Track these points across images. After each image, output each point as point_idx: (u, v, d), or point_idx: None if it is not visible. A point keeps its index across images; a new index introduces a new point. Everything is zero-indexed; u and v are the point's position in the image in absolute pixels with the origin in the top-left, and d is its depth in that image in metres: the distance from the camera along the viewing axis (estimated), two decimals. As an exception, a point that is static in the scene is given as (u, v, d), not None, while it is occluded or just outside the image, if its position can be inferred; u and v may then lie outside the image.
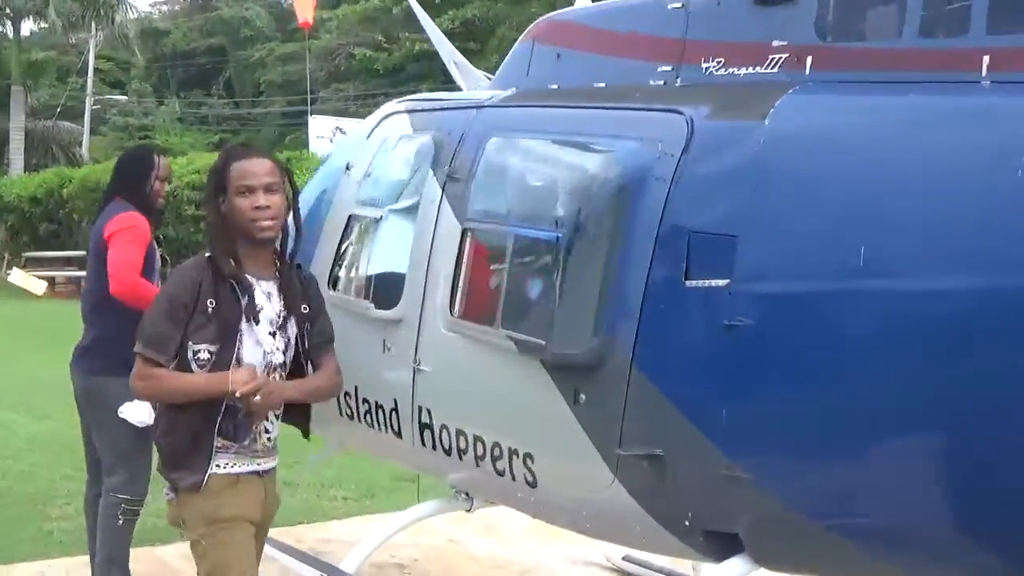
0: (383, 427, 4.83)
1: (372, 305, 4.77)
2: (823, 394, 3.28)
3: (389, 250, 4.80)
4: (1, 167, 36.30)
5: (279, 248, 3.94)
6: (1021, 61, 3.15)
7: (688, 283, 3.53)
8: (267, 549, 4.32)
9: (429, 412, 4.55)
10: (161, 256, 5.60)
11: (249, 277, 3.83)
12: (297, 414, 4.13)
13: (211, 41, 51.60)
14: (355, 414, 4.98)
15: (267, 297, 3.87)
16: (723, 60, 3.86)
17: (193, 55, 52.12)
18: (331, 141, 22.05)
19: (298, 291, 3.95)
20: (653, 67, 4.08)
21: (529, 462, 4.10)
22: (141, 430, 5.15)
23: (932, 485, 3.14)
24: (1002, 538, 3.09)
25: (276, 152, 20.00)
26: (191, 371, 3.77)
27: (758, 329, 3.35)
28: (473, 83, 5.41)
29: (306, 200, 5.05)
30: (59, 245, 25.68)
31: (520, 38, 4.82)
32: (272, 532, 4.43)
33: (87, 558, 5.48)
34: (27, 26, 39.08)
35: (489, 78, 5.26)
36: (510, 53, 4.89)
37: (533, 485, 4.13)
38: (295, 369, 3.99)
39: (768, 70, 3.71)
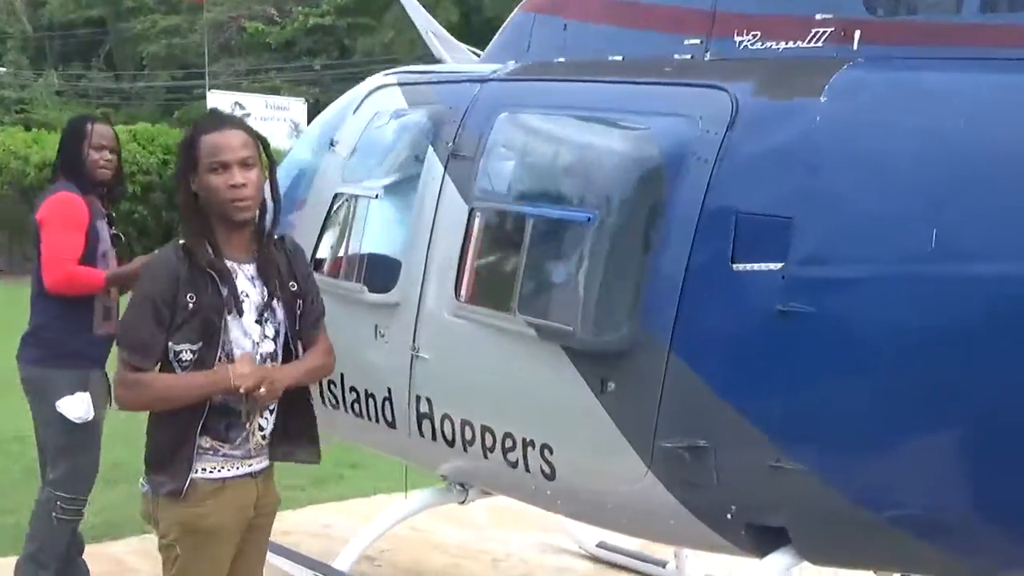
0: (373, 417, 4.58)
1: (365, 288, 4.49)
2: (882, 382, 3.17)
3: (384, 230, 4.55)
4: None
5: (260, 225, 3.58)
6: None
7: (735, 266, 3.38)
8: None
9: (429, 401, 4.32)
10: (117, 235, 5.21)
11: (229, 263, 3.48)
12: (304, 440, 3.76)
13: (91, 12, 49.93)
14: (340, 403, 4.73)
15: (251, 282, 3.51)
16: (759, 33, 3.71)
17: (72, 26, 50.35)
18: (229, 115, 21.46)
19: (285, 270, 3.60)
20: (679, 39, 3.90)
21: (547, 453, 3.92)
22: (85, 425, 4.84)
23: (998, 475, 3.06)
24: None
25: (166, 128, 19.54)
26: (173, 372, 3.42)
27: (816, 315, 3.22)
28: (460, 56, 5.16)
29: (281, 180, 4.73)
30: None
31: (517, 8, 4.59)
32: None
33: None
34: None
35: (477, 53, 5.02)
36: (505, 24, 4.65)
37: (551, 477, 3.94)
38: (284, 354, 3.63)
39: (811, 44, 3.57)
